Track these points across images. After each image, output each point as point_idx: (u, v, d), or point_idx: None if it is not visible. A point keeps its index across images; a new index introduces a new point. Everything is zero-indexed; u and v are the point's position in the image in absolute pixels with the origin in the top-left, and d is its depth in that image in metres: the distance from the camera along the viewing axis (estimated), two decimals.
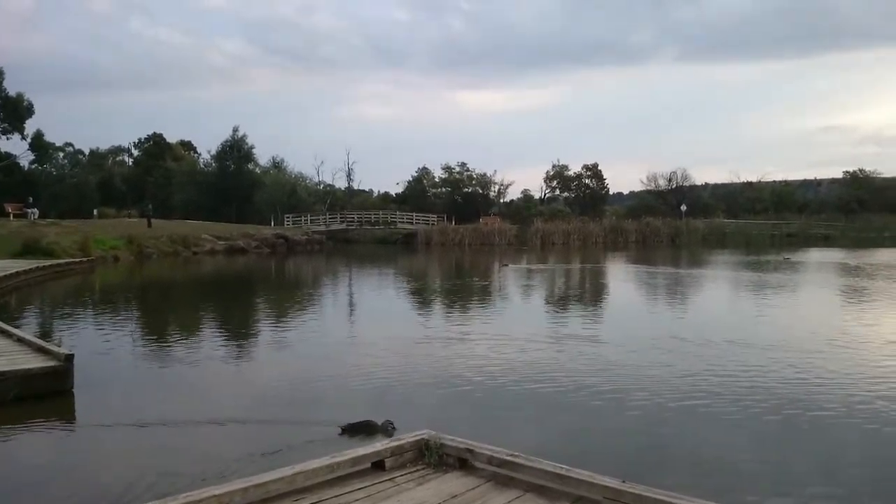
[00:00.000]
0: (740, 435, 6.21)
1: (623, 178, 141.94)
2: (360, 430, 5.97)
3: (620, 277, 25.98)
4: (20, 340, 8.51)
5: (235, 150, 65.05)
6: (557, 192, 77.77)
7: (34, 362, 7.36)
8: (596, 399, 7.26)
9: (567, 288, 22.01)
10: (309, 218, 55.39)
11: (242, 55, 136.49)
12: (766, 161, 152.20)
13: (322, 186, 72.70)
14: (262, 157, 70.11)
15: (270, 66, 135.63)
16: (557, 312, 15.51)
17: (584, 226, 55.09)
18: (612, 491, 3.49)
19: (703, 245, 49.10)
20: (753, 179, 76.37)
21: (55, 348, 7.83)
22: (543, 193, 76.97)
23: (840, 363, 8.91)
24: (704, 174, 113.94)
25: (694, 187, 77.34)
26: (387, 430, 5.96)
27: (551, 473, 3.80)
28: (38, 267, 22.23)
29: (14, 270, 19.89)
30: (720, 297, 18.47)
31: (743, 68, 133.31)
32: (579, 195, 76.10)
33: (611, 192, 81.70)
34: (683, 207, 62.67)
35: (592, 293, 20.21)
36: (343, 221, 56.70)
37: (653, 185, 77.09)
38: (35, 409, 6.75)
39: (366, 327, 13.84)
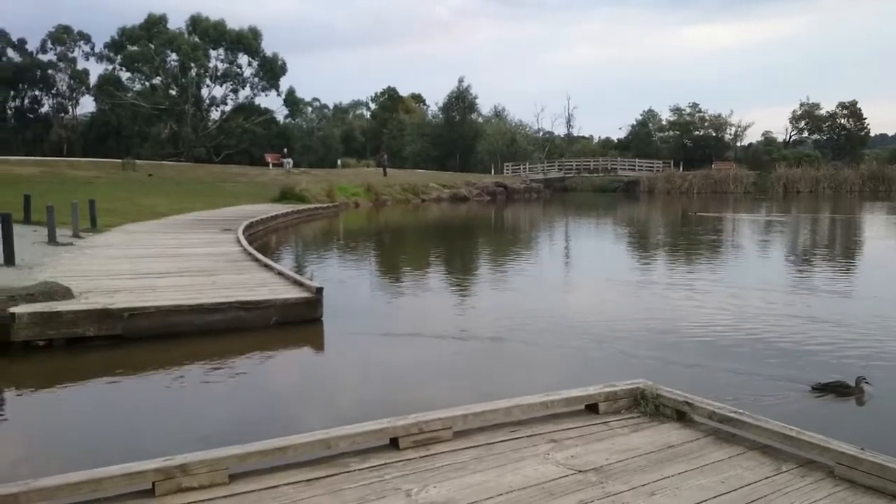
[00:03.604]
0: None
1: (888, 118, 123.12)
2: (832, 390, 5.58)
3: (880, 231, 22.87)
4: (279, 274, 9.73)
5: (460, 102, 67.10)
6: (805, 134, 69.78)
7: (291, 293, 8.35)
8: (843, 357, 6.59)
9: (813, 241, 19.91)
10: (527, 166, 55.75)
11: (464, 6, 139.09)
12: None
13: (541, 134, 72.60)
14: (485, 106, 71.70)
15: (490, 15, 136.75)
16: (795, 269, 14.14)
17: (837, 172, 49.12)
18: (848, 458, 3.20)
19: None
20: None
21: (308, 281, 8.81)
22: (788, 136, 69.56)
23: None
24: None
25: None
26: (860, 388, 5.51)
27: (779, 434, 3.57)
28: (292, 211, 25.05)
29: (273, 214, 22.64)
30: None
31: None
32: (832, 137, 67.59)
33: (871, 134, 71.55)
34: None
35: (843, 248, 18.08)
36: (561, 169, 56.24)
37: None
38: (292, 334, 7.75)
39: (573, 272, 13.90)
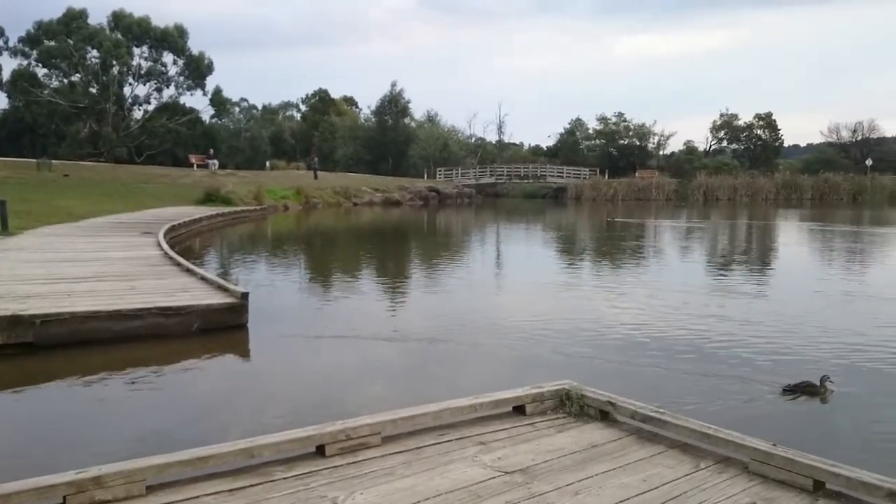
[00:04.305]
0: None
1: (800, 130, 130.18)
2: (802, 390, 5.75)
3: (789, 236, 24.13)
4: (203, 279, 9.44)
5: (393, 105, 66.99)
6: (724, 143, 72.92)
7: (215, 298, 8.12)
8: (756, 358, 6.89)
9: (731, 245, 20.81)
10: (459, 171, 56.17)
11: (401, 9, 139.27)
12: None
13: (473, 140, 73.32)
14: (418, 111, 71.84)
15: (426, 20, 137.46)
16: (714, 271, 14.75)
17: (753, 181, 51.47)
18: (761, 453, 3.34)
19: (890, 204, 44.20)
20: None
21: (233, 286, 8.59)
22: (709, 145, 72.51)
23: None
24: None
25: (883, 140, 69.60)
26: (825, 387, 5.70)
27: (698, 432, 3.70)
28: (218, 214, 24.42)
29: (197, 216, 22.00)
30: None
31: None
32: (749, 147, 70.82)
33: (785, 145, 75.47)
34: (869, 162, 56.59)
35: (759, 251, 18.97)
36: (492, 175, 56.92)
37: (834, 136, 70.58)
38: (215, 340, 7.53)
39: (503, 275, 14.10)
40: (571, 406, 4.23)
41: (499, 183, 55.67)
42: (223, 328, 7.74)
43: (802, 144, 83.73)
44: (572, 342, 7.58)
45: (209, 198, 28.45)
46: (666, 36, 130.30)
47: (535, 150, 76.34)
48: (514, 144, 79.29)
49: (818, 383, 5.74)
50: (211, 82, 59.43)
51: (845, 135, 69.58)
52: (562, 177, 55.41)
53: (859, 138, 68.33)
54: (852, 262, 16.03)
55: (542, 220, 32.88)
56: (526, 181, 55.69)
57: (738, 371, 6.44)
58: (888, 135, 70.97)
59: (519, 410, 4.19)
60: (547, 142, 76.35)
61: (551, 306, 9.93)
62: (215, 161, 44.51)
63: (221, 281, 9.04)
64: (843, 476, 3.07)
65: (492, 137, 76.03)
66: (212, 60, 58.72)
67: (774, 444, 3.39)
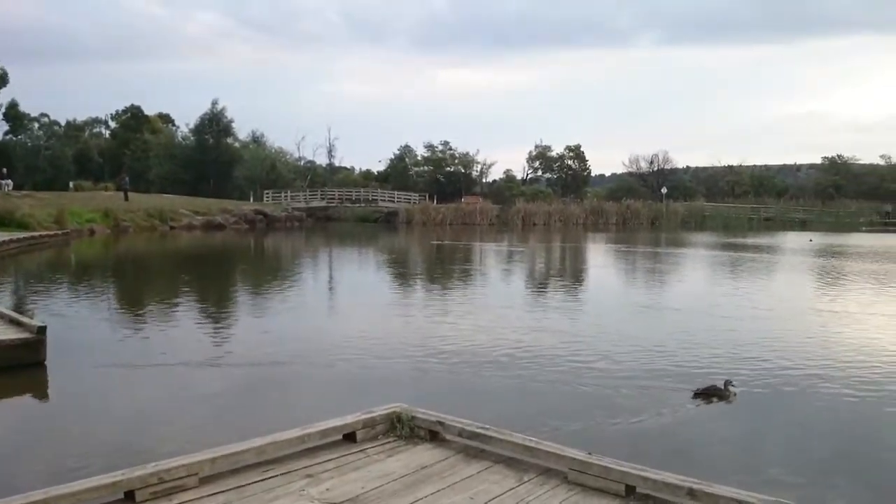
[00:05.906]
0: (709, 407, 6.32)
1: (605, 161, 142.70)
2: (712, 393, 6.27)
3: (597, 257, 26.18)
4: None
5: (214, 124, 64.08)
6: (540, 172, 77.76)
7: (6, 334, 7.26)
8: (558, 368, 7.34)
9: (547, 266, 22.15)
10: (289, 194, 54.84)
11: (219, 27, 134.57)
12: (747, 146, 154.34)
13: (303, 162, 72.08)
14: (242, 131, 69.27)
15: (247, 40, 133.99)
16: (532, 289, 15.62)
17: (566, 207, 55.31)
18: (578, 463, 3.54)
19: (683, 228, 49.62)
20: (734, 163, 77.04)
21: (28, 320, 7.74)
22: (526, 174, 76.95)
23: (801, 336, 9.14)
24: (686, 157, 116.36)
25: (675, 170, 77.99)
26: (729, 390, 6.31)
27: (520, 446, 3.84)
28: (11, 239, 21.84)
29: None
30: (696, 276, 18.70)
31: (725, 53, 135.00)
32: (561, 176, 76.12)
33: (593, 174, 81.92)
34: (664, 190, 63.06)
35: (571, 271, 20.37)
36: (324, 199, 56.24)
37: (634, 167, 77.67)
38: (7, 381, 6.69)
39: (334, 300, 13.96)
40: (402, 429, 4.23)
41: (330, 206, 55.03)
42: (17, 366, 6.91)
43: (607, 174, 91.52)
44: (405, 362, 7.61)
45: (1, 222, 25.50)
46: (483, 71, 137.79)
47: (367, 175, 76.52)
48: (346, 168, 79.03)
49: (723, 387, 6.36)
50: (5, 95, 53.51)
51: (644, 166, 77.06)
52: (393, 201, 56.00)
53: (656, 169, 75.96)
54: (654, 279, 17.69)
55: (374, 243, 32.97)
56: (358, 205, 55.56)
57: (561, 377, 6.81)
58: (680, 166, 79.77)
59: (349, 438, 4.11)
60: (378, 167, 76.93)
61: (384, 328, 9.94)
62: (9, 181, 39.88)
63: (14, 314, 8.13)
64: (650, 479, 3.33)
65: (322, 160, 75.21)
66: (6, 71, 52.87)
67: (590, 453, 3.61)
